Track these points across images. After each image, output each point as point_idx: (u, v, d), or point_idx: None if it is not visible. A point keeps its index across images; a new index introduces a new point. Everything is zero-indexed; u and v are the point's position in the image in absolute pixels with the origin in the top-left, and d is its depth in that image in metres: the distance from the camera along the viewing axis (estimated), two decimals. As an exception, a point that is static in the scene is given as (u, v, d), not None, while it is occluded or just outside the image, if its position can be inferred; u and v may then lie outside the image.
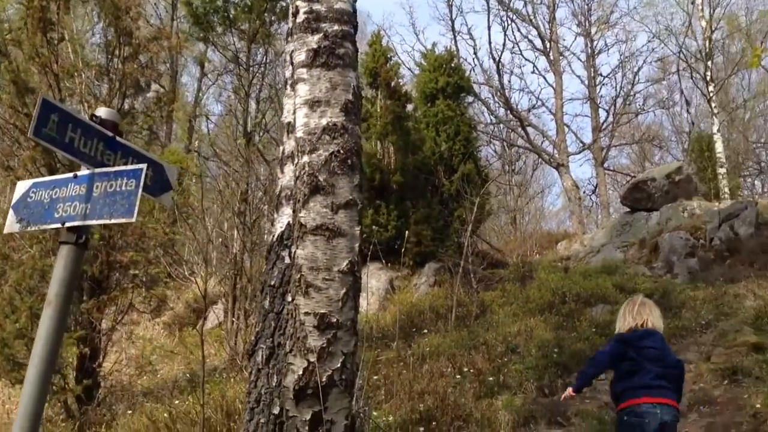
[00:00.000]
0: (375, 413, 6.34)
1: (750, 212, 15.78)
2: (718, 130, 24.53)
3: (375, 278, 13.25)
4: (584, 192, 29.74)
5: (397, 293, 13.25)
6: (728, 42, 28.22)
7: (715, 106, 24.19)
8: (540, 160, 28.41)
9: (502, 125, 27.03)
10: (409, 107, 15.25)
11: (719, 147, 24.17)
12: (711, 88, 23.78)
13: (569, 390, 4.84)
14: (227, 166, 10.71)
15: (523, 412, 6.76)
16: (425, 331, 9.75)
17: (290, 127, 3.86)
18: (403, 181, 13.62)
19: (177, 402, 6.03)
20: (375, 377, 7.27)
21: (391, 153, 13.66)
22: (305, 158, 3.55)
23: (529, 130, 25.57)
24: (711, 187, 23.45)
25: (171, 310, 13.09)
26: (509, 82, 32.53)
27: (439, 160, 14.51)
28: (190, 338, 11.35)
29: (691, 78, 26.86)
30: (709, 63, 23.88)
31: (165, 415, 5.17)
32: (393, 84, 14.54)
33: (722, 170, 24.03)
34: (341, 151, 3.53)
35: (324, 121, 3.57)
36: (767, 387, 6.07)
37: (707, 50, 23.94)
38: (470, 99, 17.61)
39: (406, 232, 13.56)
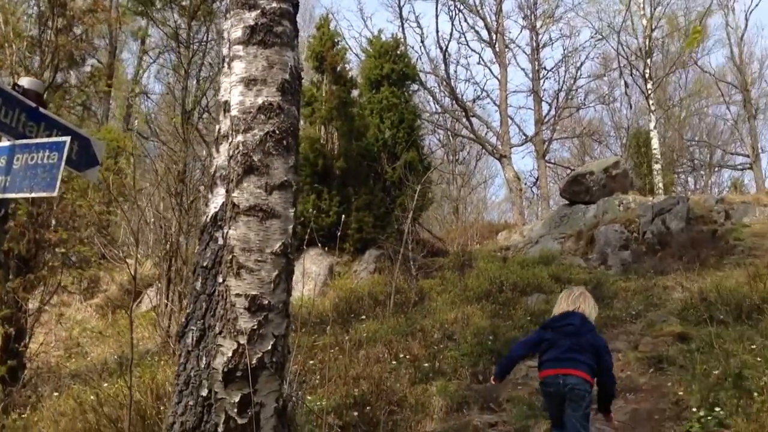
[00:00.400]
0: (309, 397, 6.31)
1: (681, 207, 16.30)
2: (655, 127, 25.24)
3: (315, 264, 13.20)
4: (526, 184, 30.27)
5: (337, 279, 13.21)
6: (668, 41, 29.00)
7: (652, 104, 24.85)
8: (483, 150, 28.72)
9: (447, 115, 27.20)
10: (355, 93, 15.18)
11: (655, 143, 24.85)
12: (649, 86, 24.42)
13: (492, 378, 5.18)
14: (166, 146, 10.46)
15: (456, 397, 6.83)
16: (363, 317, 9.76)
17: (226, 106, 3.79)
18: (346, 167, 13.57)
19: (106, 385, 5.89)
20: (311, 362, 7.24)
21: (335, 138, 13.58)
22: (240, 137, 3.49)
23: (474, 120, 25.83)
24: (646, 182, 24.16)
25: (104, 292, 12.77)
26: (455, 72, 32.80)
27: (382, 147, 14.50)
28: (123, 321, 11.11)
29: (631, 75, 27.52)
30: (649, 61, 24.50)
31: (92, 397, 5.04)
32: (339, 69, 14.44)
33: (657, 166, 24.72)
34: (277, 132, 3.48)
35: (260, 101, 3.51)
36: (690, 375, 6.26)
37: (647, 48, 24.55)
38: (415, 87, 17.64)
39: (348, 218, 13.61)
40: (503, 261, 14.27)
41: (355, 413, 6.26)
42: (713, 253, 13.40)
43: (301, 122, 14.57)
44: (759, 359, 5.77)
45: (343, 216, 13.47)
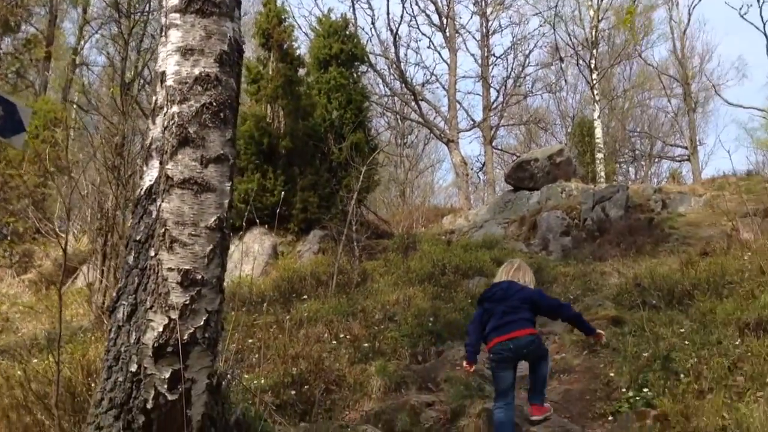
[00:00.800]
0: (246, 376, 6.27)
1: (621, 196, 16.71)
2: (599, 117, 25.74)
3: (258, 243, 13.08)
4: (472, 169, 30.54)
5: (280, 259, 13.12)
6: (613, 32, 29.52)
7: (597, 94, 25.32)
8: (431, 135, 28.85)
9: (396, 98, 27.19)
10: (302, 72, 15.01)
11: (599, 133, 25.36)
12: (594, 76, 24.87)
13: (465, 364, 5.46)
14: (105, 118, 10.16)
15: (395, 377, 6.86)
16: (305, 297, 9.72)
17: (162, 77, 3.68)
18: (292, 147, 13.43)
19: (35, 361, 5.72)
20: (250, 341, 7.18)
21: (281, 117, 13.41)
22: (175, 108, 3.40)
23: (422, 104, 25.91)
24: (589, 171, 24.66)
25: (38, 267, 12.39)
26: (405, 55, 32.78)
27: (329, 128, 14.39)
28: (56, 297, 10.78)
29: (577, 65, 27.96)
30: (595, 51, 24.92)
31: (19, 373, 4.89)
32: (286, 47, 14.23)
33: (600, 155, 25.25)
34: (214, 104, 3.41)
35: (197, 71, 3.43)
36: (621, 357, 6.43)
37: (593, 39, 24.96)
38: (364, 68, 17.54)
39: (293, 198, 13.51)
40: (447, 244, 14.38)
41: (293, 392, 6.24)
42: (649, 241, 13.78)
43: (247, 100, 14.38)
44: (687, 342, 5.95)
45: (289, 196, 13.50)
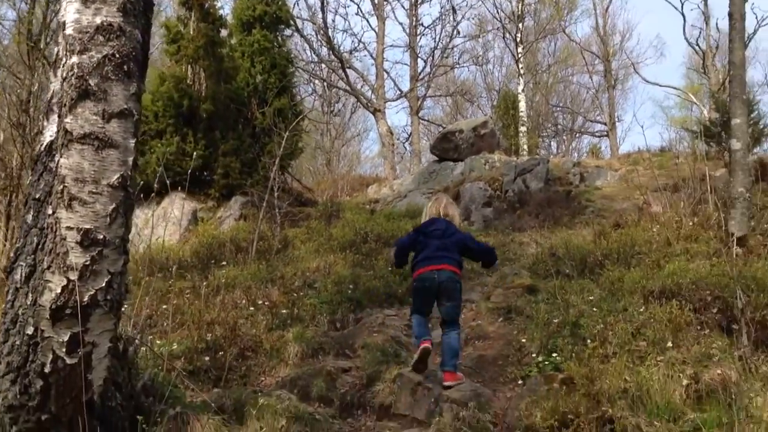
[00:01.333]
0: (158, 342, 6.13)
1: (542, 168, 17.07)
2: (523, 91, 26.13)
3: (178, 208, 12.75)
4: (398, 139, 30.61)
5: (200, 225, 12.84)
6: (539, 7, 29.93)
7: (522, 68, 25.66)
8: (358, 103, 28.69)
9: (323, 65, 26.85)
10: (225, 33, 14.56)
11: (523, 106, 25.78)
12: (520, 50, 25.17)
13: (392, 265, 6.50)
14: (11, 72, 9.60)
15: (312, 344, 6.85)
16: (224, 263, 9.56)
17: (63, 26, 3.48)
18: (214, 110, 13.06)
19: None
20: (164, 306, 7.01)
21: (202, 79, 13.01)
22: (74, 59, 3.22)
23: (350, 72, 25.66)
24: (512, 143, 25.11)
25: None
26: (333, 21, 32.37)
27: (253, 92, 14.07)
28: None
29: (503, 38, 28.24)
30: (521, 25, 25.19)
31: None
32: (207, 6, 13.73)
33: (523, 128, 25.69)
34: (116, 55, 3.23)
35: (98, 20, 3.24)
36: (533, 324, 6.59)
37: (519, 12, 25.22)
38: (289, 32, 17.19)
39: (214, 163, 13.21)
40: (371, 213, 14.41)
41: (207, 358, 6.15)
42: (567, 213, 14.14)
43: (167, 60, 13.90)
44: (595, 309, 6.14)
45: (210, 160, 13.17)
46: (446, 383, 5.41)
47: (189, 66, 13.05)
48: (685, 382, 4.56)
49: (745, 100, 8.26)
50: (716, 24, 30.76)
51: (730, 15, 8.08)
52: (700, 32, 30.94)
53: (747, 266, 6.18)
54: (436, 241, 5.65)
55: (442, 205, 6.03)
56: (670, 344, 5.00)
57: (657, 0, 54.88)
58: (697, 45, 30.87)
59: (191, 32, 13.07)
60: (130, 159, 3.33)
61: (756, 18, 39.76)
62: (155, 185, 10.52)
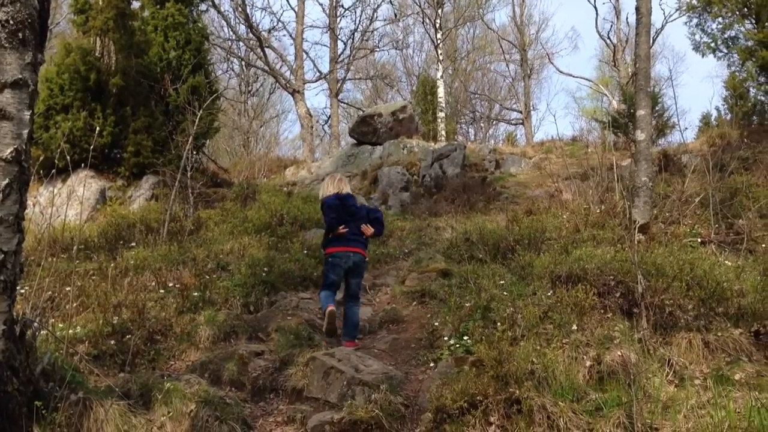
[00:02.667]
0: (61, 325, 5.88)
1: (458, 154, 17.31)
2: (442, 77, 26.37)
3: (85, 187, 12.25)
4: (318, 121, 30.38)
5: (109, 204, 12.39)
6: (460, -6, 30.21)
7: (441, 54, 25.87)
8: (277, 84, 28.27)
9: (241, 43, 26.30)
10: (136, 5, 14.00)
11: (441, 92, 26.02)
12: (439, 36, 25.35)
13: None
14: None
15: (225, 327, 6.74)
16: (133, 244, 9.25)
17: (-46, -12, 3.24)
18: (124, 85, 12.55)
19: None
20: (67, 288, 6.72)
21: (111, 52, 12.46)
22: (-35, 23, 3.00)
23: (269, 52, 25.23)
24: (430, 129, 25.32)
25: None
26: (252, -1, 31.48)
27: (166, 68, 13.60)
28: None
29: (423, 23, 28.38)
30: (440, 11, 25.35)
31: None
32: (118, -24, 13.18)
33: (442, 114, 25.95)
34: (11, 22, 3.03)
35: (-9, -17, 3.03)
36: (446, 308, 6.68)
37: (439, -2, 25.37)
38: (204, 7, 16.71)
39: (125, 140, 12.73)
40: (288, 195, 14.25)
41: (113, 342, 5.95)
42: (482, 198, 14.40)
43: (73, 31, 13.25)
44: (505, 293, 6.28)
45: (120, 138, 12.67)
46: (347, 348, 6.17)
47: (98, 38, 12.47)
48: (588, 363, 4.73)
49: (650, 92, 8.58)
50: (626, 18, 31.87)
51: (637, 9, 8.36)
52: (612, 26, 32.07)
53: (648, 253, 6.44)
54: (353, 223, 6.67)
55: (344, 182, 6.94)
56: (575, 327, 5.16)
57: (572, -7, 56.18)
58: (609, 38, 31.96)
59: (100, 3, 12.48)
60: (26, 132, 3.14)
61: (663, 14, 41.51)
62: (60, 162, 10.10)
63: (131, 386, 4.89)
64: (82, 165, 10.56)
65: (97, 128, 8.28)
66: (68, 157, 8.41)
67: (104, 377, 5.11)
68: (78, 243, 9.01)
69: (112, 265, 7.93)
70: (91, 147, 9.26)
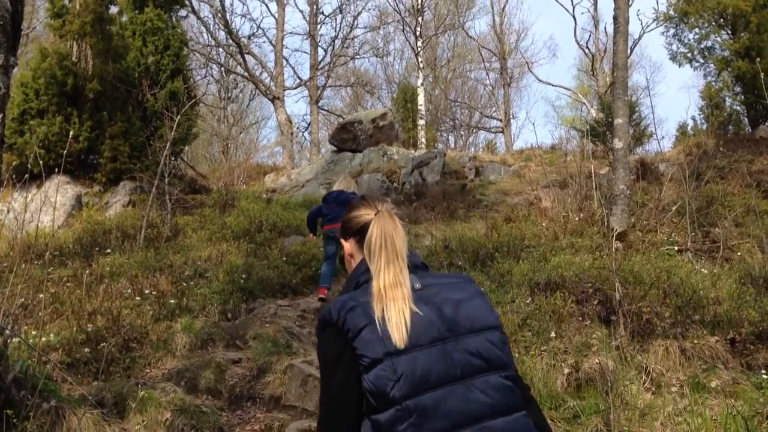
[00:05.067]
0: (34, 332, 5.78)
1: (438, 162, 17.37)
2: (422, 85, 26.45)
3: (61, 192, 12.09)
4: (297, 128, 30.31)
5: (85, 210, 12.23)
6: (439, 2, 30.35)
7: (421, 62, 25.96)
8: (257, 90, 28.18)
9: (221, 49, 26.19)
10: (114, 10, 13.86)
11: (421, 100, 26.09)
12: (419, 44, 25.44)
13: (310, 235, 9.45)
14: None
15: (202, 334, 6.69)
16: (109, 251, 9.14)
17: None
18: (101, 90, 12.39)
19: None
20: (41, 295, 6.62)
21: (89, 57, 12.31)
22: (-65, 24, 2.95)
23: (248, 58, 25.16)
24: (411, 136, 25.38)
25: None
26: (231, 5, 31.34)
27: (144, 73, 13.48)
28: None
29: (403, 31, 28.48)
30: (420, 19, 25.46)
31: None
32: (96, -21, 13.04)
33: (422, 122, 26.02)
34: (-17, 23, 2.99)
35: (-37, -16, 2.98)
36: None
37: (419, 6, 25.48)
38: (184, 13, 16.61)
39: (101, 145, 12.58)
40: (267, 202, 14.19)
41: (87, 350, 5.86)
42: (462, 206, 14.42)
43: (50, 36, 13.09)
44: (482, 301, 6.27)
45: (97, 143, 12.51)
46: (320, 296, 8.15)
47: (75, 42, 12.31)
48: (566, 371, 4.74)
49: (627, 101, 8.66)
50: (605, 28, 32.22)
51: (615, 19, 8.46)
52: (590, 35, 32.35)
53: (626, 260, 6.49)
54: (336, 208, 8.26)
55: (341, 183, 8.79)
56: (553, 334, 5.18)
57: (551, 2, 56.81)
58: (587, 48, 32.25)
59: (78, 6, 12.34)
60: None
61: (641, 24, 42.04)
62: (35, 167, 9.96)
63: (105, 394, 4.83)
64: (56, 170, 10.45)
65: (71, 133, 8.20)
66: (42, 163, 8.30)
67: (78, 385, 5.02)
68: (52, 249, 8.89)
69: (87, 271, 7.83)
70: (66, 152, 9.15)
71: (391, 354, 1.69)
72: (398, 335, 1.70)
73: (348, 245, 2.05)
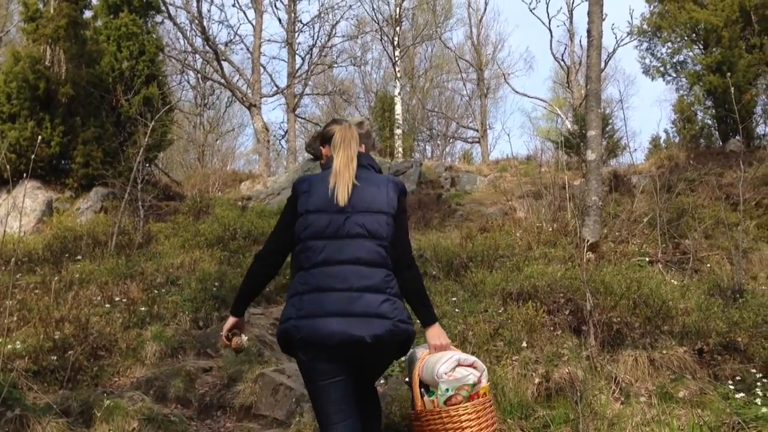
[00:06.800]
0: (0, 339, 5.67)
1: (414, 171, 17.43)
2: (400, 94, 26.55)
3: (31, 198, 11.94)
4: (274, 136, 30.24)
5: (56, 216, 12.07)
6: (417, 13, 30.50)
7: (399, 71, 26.06)
8: (234, 97, 28.06)
9: (197, 55, 26.05)
10: (89, 14, 13.75)
11: (399, 109, 26.20)
12: (397, 53, 25.55)
13: None
14: None
15: (172, 342, 6.62)
16: (79, 257, 9.01)
17: None
18: (74, 95, 12.24)
19: None
20: (8, 302, 6.50)
21: (62, 62, 12.17)
22: None
23: (225, 65, 25.02)
24: (388, 145, 25.46)
25: None
26: (209, 11, 31.33)
27: (118, 78, 13.35)
28: None
29: (381, 41, 28.57)
30: (398, 29, 25.58)
31: None
32: (70, -17, 12.91)
33: (399, 131, 26.11)
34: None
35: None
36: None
37: (397, 16, 25.60)
38: (160, 18, 16.49)
39: (73, 151, 12.45)
40: (242, 210, 14.10)
41: (54, 357, 5.76)
42: (437, 215, 14.47)
43: (23, 39, 12.94)
44: (457, 310, 6.28)
45: (69, 148, 12.37)
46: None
47: (48, 47, 12.18)
48: (537, 380, 4.75)
49: (601, 113, 8.77)
50: (580, 41, 32.57)
51: (589, 32, 8.56)
52: (566, 48, 32.70)
53: (597, 271, 6.54)
54: None
55: None
56: (525, 344, 5.19)
57: (528, 15, 57.37)
58: (563, 60, 32.59)
59: (51, 11, 12.22)
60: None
61: (615, 38, 42.64)
62: (5, 172, 9.83)
63: (71, 403, 4.76)
64: (24, 175, 10.32)
65: (41, 137, 8.04)
66: (12, 168, 8.18)
67: (44, 394, 4.94)
68: (21, 255, 8.76)
69: (56, 278, 7.71)
70: (35, 156, 9.05)
71: (309, 212, 2.89)
72: (341, 197, 2.87)
73: (325, 150, 3.19)
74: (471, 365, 3.09)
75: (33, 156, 9.05)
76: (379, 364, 3.14)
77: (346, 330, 2.76)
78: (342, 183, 2.90)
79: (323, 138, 3.19)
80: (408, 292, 2.99)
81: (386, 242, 2.90)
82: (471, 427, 2.94)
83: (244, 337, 3.41)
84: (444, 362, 3.02)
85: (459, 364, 3.06)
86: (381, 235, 2.89)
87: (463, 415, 2.95)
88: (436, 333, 3.13)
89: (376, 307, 2.83)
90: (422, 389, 3.11)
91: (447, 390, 3.00)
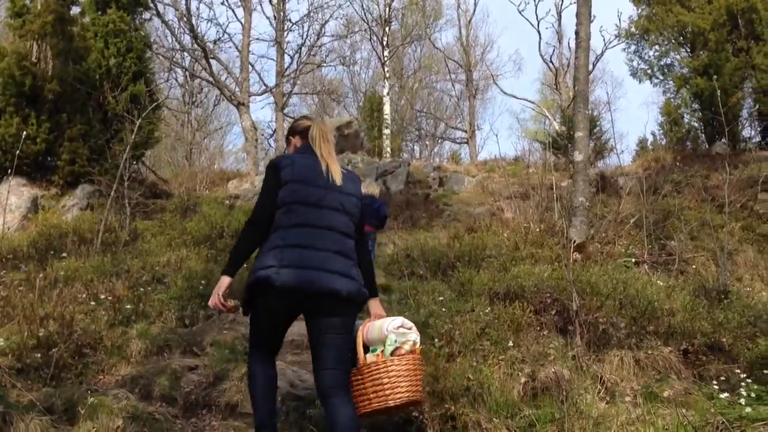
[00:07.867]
0: (-18, 337, 5.62)
1: (402, 171, 17.45)
2: (389, 94, 26.55)
3: (16, 195, 11.85)
4: (263, 134, 30.15)
5: (41, 213, 11.99)
6: (406, 13, 30.51)
7: (388, 71, 26.05)
8: (222, 95, 27.93)
9: (185, 53, 25.92)
10: (76, 11, 13.65)
11: (387, 109, 26.19)
12: (386, 53, 25.54)
13: None
14: None
15: (158, 341, 6.57)
16: (65, 255, 8.95)
17: None
18: (61, 92, 12.14)
19: None
20: (-8, 299, 6.46)
21: (48, 58, 12.07)
22: None
23: (213, 63, 24.88)
24: (376, 145, 25.46)
25: None
26: (198, 9, 31.22)
27: (105, 75, 13.27)
28: None
29: (370, 41, 28.55)
30: (387, 29, 25.57)
31: None
32: (57, -21, 12.81)
33: (387, 131, 26.11)
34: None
35: None
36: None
37: (386, 16, 25.60)
38: (148, 15, 16.41)
39: (60, 147, 12.36)
40: (229, 208, 14.06)
41: (38, 355, 5.71)
42: (425, 215, 14.51)
43: (9, 35, 12.83)
44: (444, 309, 6.28)
45: (55, 145, 12.28)
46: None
47: (34, 43, 12.07)
48: (523, 380, 4.77)
49: (588, 115, 8.80)
50: (568, 43, 32.67)
51: (577, 34, 8.60)
52: (554, 50, 32.82)
53: (584, 271, 6.57)
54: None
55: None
56: (511, 344, 5.20)
57: (516, 16, 57.54)
58: (551, 62, 32.70)
59: (38, 7, 12.12)
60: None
61: (604, 40, 42.86)
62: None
63: (55, 401, 4.72)
64: (9, 172, 10.23)
65: (26, 134, 8.00)
66: (2, 165, 8.11)
67: (27, 391, 4.89)
68: (4, 252, 8.69)
69: (41, 275, 7.65)
70: (20, 153, 8.97)
71: (295, 181, 3.40)
72: (338, 177, 3.47)
73: (294, 140, 3.74)
74: (410, 329, 3.64)
75: (18, 152, 8.98)
76: (339, 320, 3.44)
77: (325, 282, 3.27)
78: (334, 166, 3.50)
79: (293, 130, 3.77)
80: (362, 264, 3.55)
81: (355, 219, 3.54)
82: (408, 377, 3.46)
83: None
84: (391, 321, 3.58)
85: (402, 325, 3.60)
86: (353, 213, 3.52)
87: (405, 365, 3.47)
88: (378, 304, 3.85)
89: (348, 269, 3.40)
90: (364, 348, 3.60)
91: (395, 341, 3.52)
